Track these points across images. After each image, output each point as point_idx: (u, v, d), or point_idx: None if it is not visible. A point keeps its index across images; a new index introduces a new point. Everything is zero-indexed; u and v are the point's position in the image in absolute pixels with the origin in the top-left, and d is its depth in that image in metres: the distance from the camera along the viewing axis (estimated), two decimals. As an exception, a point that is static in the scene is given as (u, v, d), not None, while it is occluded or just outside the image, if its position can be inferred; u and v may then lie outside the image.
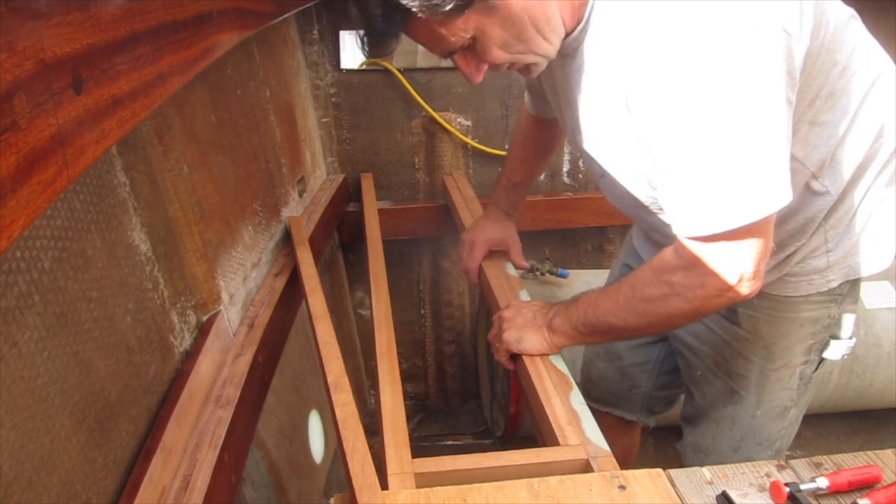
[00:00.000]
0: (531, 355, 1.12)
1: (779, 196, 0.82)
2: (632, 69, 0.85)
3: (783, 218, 0.99)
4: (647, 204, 1.04)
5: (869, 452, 0.89)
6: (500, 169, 2.17)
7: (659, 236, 1.13)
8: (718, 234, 0.83)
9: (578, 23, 0.91)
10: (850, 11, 0.94)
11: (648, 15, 0.81)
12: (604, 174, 1.08)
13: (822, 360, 1.15)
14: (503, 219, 1.50)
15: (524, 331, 1.12)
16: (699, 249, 0.87)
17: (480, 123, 2.11)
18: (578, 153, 1.18)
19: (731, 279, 0.87)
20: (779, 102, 0.80)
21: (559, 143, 1.51)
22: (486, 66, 0.94)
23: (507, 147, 2.14)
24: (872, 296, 2.00)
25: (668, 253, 0.92)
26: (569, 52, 0.96)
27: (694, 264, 0.88)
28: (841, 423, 2.27)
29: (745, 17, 0.77)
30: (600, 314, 1.01)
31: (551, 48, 0.92)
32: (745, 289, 0.88)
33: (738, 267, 0.86)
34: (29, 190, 0.54)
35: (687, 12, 0.78)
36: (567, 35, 0.92)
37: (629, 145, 0.95)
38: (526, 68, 0.96)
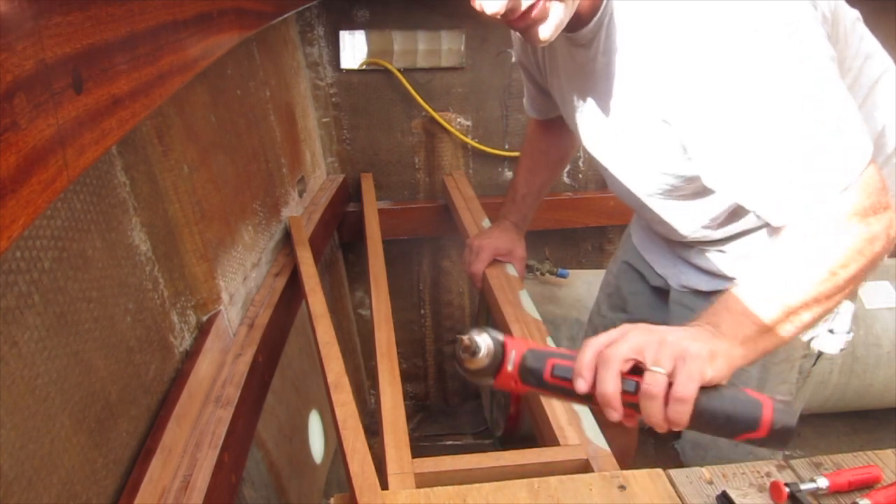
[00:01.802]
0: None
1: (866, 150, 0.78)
2: (668, 64, 0.83)
3: None
4: (645, 197, 1.04)
5: (869, 452, 0.89)
6: (499, 169, 2.19)
7: (664, 229, 1.13)
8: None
9: (595, 13, 0.90)
10: (856, 13, 0.95)
11: (678, 9, 0.80)
12: (608, 167, 1.07)
13: (820, 354, 1.16)
14: (513, 230, 1.50)
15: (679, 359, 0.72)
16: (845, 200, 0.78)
17: (480, 123, 2.11)
18: (582, 148, 1.16)
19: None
20: (832, 68, 0.79)
21: (569, 154, 1.49)
22: None
23: (506, 147, 2.14)
24: (872, 296, 2.00)
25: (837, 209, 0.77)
26: (583, 43, 0.94)
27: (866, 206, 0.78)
28: (841, 423, 2.26)
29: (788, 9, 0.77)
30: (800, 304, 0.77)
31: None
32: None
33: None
34: (29, 190, 0.54)
35: (719, 4, 0.77)
36: (583, 25, 0.91)
37: (647, 139, 0.94)
38: (543, 18, 0.85)
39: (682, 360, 0.69)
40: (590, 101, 1.01)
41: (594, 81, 0.97)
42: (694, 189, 0.98)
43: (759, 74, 0.77)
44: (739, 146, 0.81)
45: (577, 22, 0.91)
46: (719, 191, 0.90)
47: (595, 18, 0.90)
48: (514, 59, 2.05)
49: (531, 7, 0.83)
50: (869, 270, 0.78)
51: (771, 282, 0.77)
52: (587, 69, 0.98)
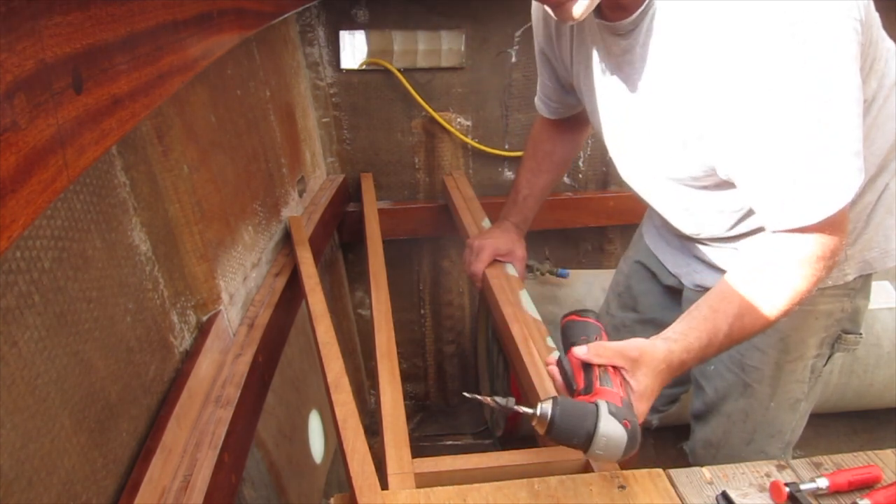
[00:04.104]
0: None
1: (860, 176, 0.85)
2: (706, 61, 0.86)
3: None
4: (665, 188, 1.06)
5: (869, 452, 0.89)
6: (499, 169, 2.19)
7: (681, 223, 1.13)
8: (832, 216, 0.84)
9: (640, 4, 0.90)
10: (876, 15, 0.96)
11: (724, 8, 0.82)
12: (631, 158, 1.09)
13: (832, 353, 1.16)
14: (513, 231, 1.50)
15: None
16: (823, 229, 0.86)
17: (480, 123, 2.11)
18: (605, 141, 1.16)
19: (839, 249, 0.89)
20: (857, 90, 0.82)
21: (572, 156, 1.50)
22: None
23: (506, 147, 2.14)
24: (872, 296, 1.99)
25: (804, 242, 0.88)
26: (622, 33, 0.95)
27: (828, 244, 0.87)
28: (841, 423, 2.26)
29: (822, 10, 0.78)
30: (744, 330, 0.90)
31: None
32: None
33: (842, 238, 0.88)
34: (29, 190, 0.54)
35: (766, 5, 0.79)
36: (626, 15, 0.92)
37: (675, 131, 0.95)
38: (576, 3, 0.87)
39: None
40: (620, 90, 1.02)
41: (629, 72, 0.98)
42: (716, 181, 0.99)
43: (784, 78, 0.79)
44: (754, 143, 0.84)
45: (619, 11, 0.92)
46: (736, 184, 0.92)
47: (640, 10, 0.91)
48: (513, 60, 2.06)
49: None
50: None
51: (724, 319, 0.88)
52: (622, 59, 0.98)
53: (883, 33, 0.96)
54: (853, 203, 1.03)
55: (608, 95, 1.06)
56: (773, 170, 0.84)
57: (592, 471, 0.88)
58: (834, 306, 1.12)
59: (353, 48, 1.97)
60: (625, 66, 0.98)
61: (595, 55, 1.05)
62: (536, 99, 1.39)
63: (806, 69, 0.79)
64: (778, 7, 0.78)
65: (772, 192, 0.85)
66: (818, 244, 0.86)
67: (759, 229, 1.06)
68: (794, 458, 0.91)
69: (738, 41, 0.81)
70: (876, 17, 0.92)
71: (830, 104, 0.80)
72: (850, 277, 1.09)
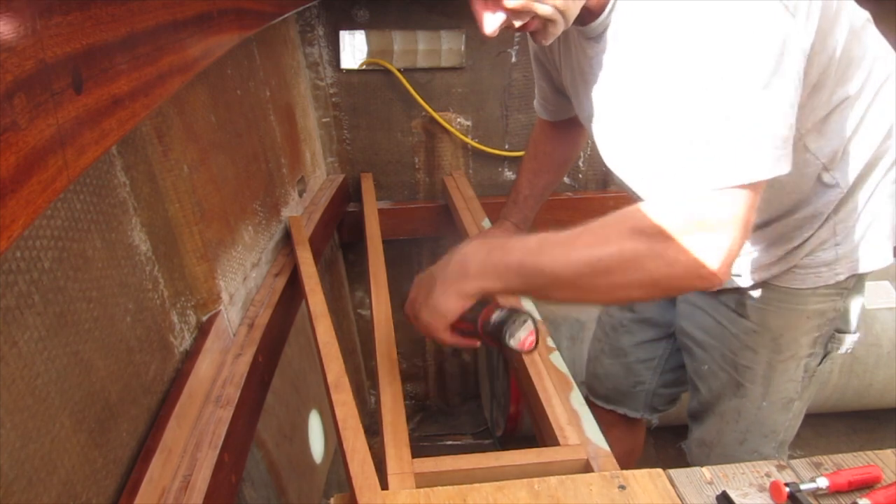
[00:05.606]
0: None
1: (781, 163, 0.78)
2: (660, 58, 0.85)
3: (792, 208, 1.02)
4: (650, 190, 1.05)
5: (869, 452, 0.89)
6: (499, 169, 2.19)
7: None
8: (713, 192, 0.78)
9: (605, 6, 0.91)
10: (866, 15, 0.96)
11: (677, 6, 0.81)
12: (616, 159, 1.09)
13: (826, 353, 1.16)
14: (513, 231, 1.50)
15: (428, 308, 0.92)
16: (690, 207, 0.80)
17: (480, 123, 2.11)
18: (595, 142, 1.16)
19: (719, 250, 0.78)
20: (786, 73, 0.78)
21: (573, 156, 1.50)
22: (503, 15, 0.86)
23: (506, 147, 2.14)
24: (872, 296, 2.00)
25: (650, 207, 0.84)
26: (594, 36, 0.96)
27: (679, 225, 0.80)
28: (841, 423, 2.27)
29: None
30: (545, 262, 0.87)
31: (573, 6, 0.88)
32: (723, 271, 0.79)
33: (726, 237, 0.78)
34: (29, 190, 0.54)
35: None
36: (595, 18, 0.92)
37: (641, 122, 0.95)
38: (541, 30, 0.90)
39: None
40: (598, 93, 1.02)
41: (604, 74, 0.99)
42: None
43: (705, 62, 0.77)
44: (674, 97, 0.82)
45: (588, 15, 0.92)
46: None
47: (605, 12, 0.91)
48: (513, 60, 2.07)
49: (525, 25, 0.89)
50: (643, 287, 0.84)
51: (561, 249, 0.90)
52: (596, 62, 0.99)
53: (873, 29, 0.96)
54: (843, 202, 1.02)
55: (590, 97, 1.07)
56: (686, 128, 0.80)
57: (592, 471, 0.88)
58: (826, 306, 1.12)
59: (353, 48, 1.97)
60: (598, 68, 0.99)
61: (576, 58, 1.06)
62: (535, 102, 1.40)
63: (717, 38, 0.76)
64: None
65: (678, 151, 0.82)
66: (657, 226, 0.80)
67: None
68: (794, 458, 0.91)
69: (681, 33, 0.79)
70: (854, 18, 0.92)
71: (733, 79, 0.76)
72: (842, 277, 1.08)
